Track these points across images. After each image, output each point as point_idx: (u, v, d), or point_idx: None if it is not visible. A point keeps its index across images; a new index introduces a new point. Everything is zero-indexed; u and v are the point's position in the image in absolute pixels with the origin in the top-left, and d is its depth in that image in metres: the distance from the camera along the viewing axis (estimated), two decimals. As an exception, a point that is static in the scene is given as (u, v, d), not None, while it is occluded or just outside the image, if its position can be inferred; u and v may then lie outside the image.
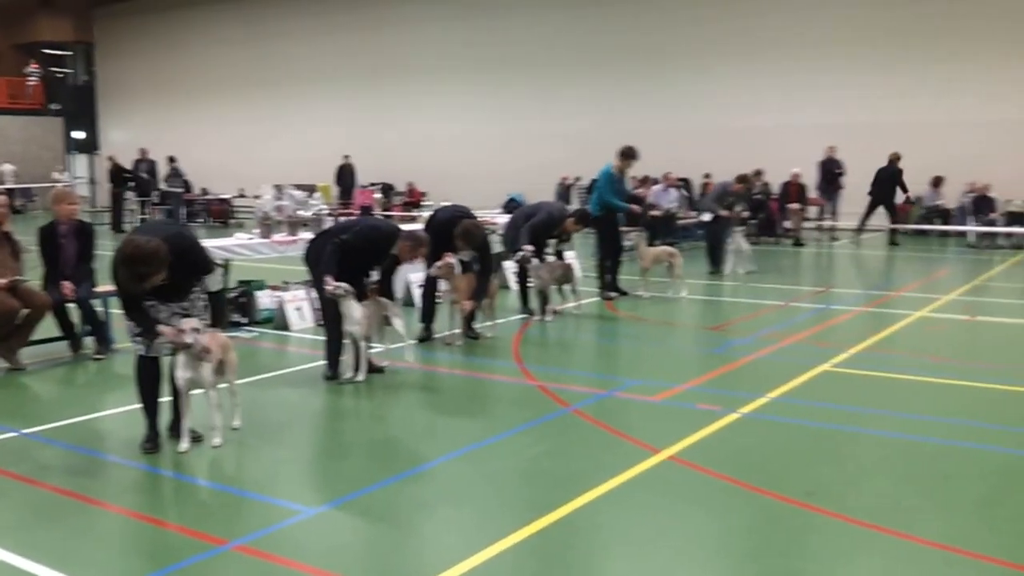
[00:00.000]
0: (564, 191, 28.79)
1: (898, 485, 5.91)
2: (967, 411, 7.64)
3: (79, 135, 41.74)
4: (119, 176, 27.44)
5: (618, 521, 5.30)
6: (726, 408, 7.54)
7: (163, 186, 28.90)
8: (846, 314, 12.18)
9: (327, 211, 12.52)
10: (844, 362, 9.30)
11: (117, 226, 26.35)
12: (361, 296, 8.66)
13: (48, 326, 9.59)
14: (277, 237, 11.74)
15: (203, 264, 6.66)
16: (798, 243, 22.34)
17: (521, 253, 11.56)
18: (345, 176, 31.40)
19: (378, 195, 30.26)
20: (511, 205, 24.31)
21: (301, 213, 11.82)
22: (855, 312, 12.43)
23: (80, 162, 30.20)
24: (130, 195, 28.00)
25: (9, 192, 30.00)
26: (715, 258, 16.38)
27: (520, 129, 31.04)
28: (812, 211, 24.25)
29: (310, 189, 27.87)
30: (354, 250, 8.54)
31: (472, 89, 32.27)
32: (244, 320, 11.37)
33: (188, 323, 6.32)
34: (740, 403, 7.69)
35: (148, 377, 6.62)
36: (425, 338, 10.44)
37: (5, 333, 9.18)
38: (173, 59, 39.83)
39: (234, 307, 11.38)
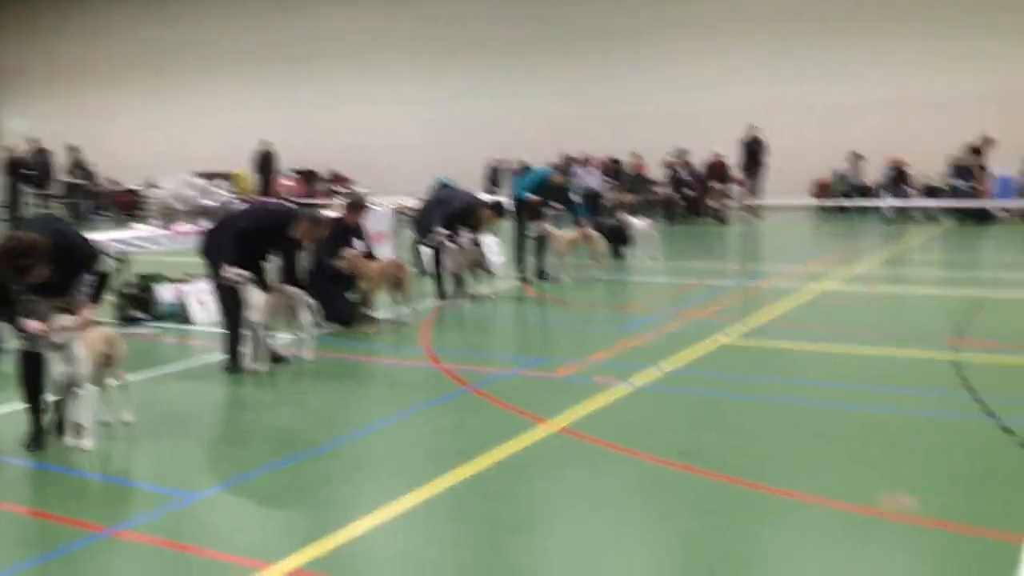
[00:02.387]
0: (493, 174, 28.74)
1: (772, 444, 6.14)
2: (845, 375, 7.96)
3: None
4: (14, 168, 26.63)
5: (502, 489, 5.43)
6: (621, 380, 7.68)
7: (65, 177, 28.07)
8: (754, 290, 12.46)
9: (235, 200, 12.37)
10: (743, 334, 9.50)
11: (14, 220, 25.78)
12: (263, 285, 8.63)
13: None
14: (178, 228, 11.59)
15: (88, 258, 6.54)
16: (721, 222, 22.63)
17: (435, 236, 11.60)
18: (265, 163, 30.74)
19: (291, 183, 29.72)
20: (441, 189, 24.20)
21: (205, 202, 11.69)
22: (762, 287, 12.74)
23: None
24: (28, 188, 27.00)
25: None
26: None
27: (448, 113, 30.96)
28: (736, 190, 24.54)
29: (223, 177, 27.64)
30: (252, 237, 8.51)
31: (398, 72, 32.09)
32: (144, 316, 11.16)
33: (59, 321, 6.22)
34: (633, 375, 7.84)
35: (29, 373, 6.49)
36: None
37: None
38: (75, 43, 38.35)
39: (133, 302, 11.22)
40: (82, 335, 6.34)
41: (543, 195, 13.74)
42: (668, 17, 27.33)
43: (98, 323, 6.65)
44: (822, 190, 25.13)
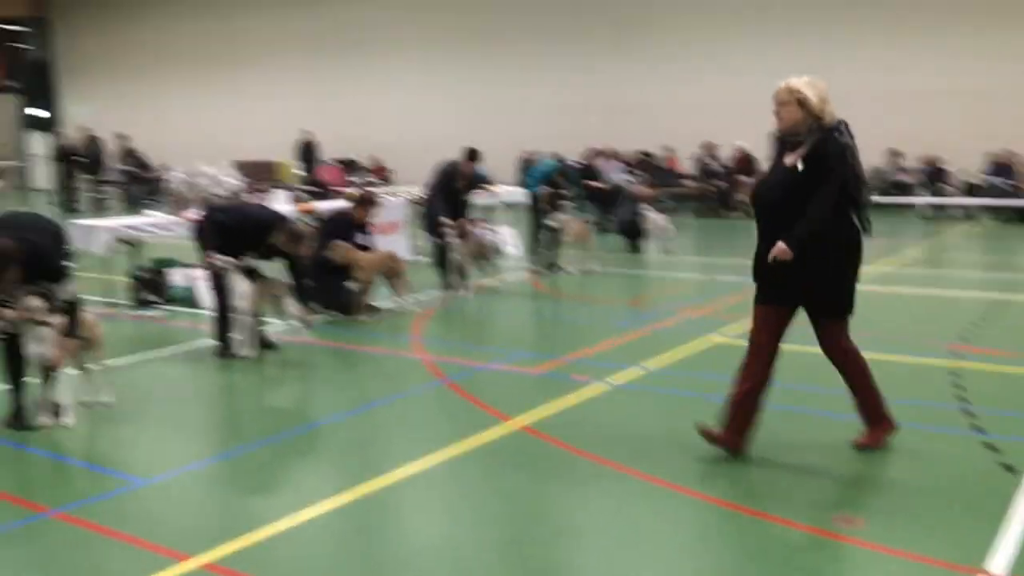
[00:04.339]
0: (525, 166, 28.61)
1: (713, 449, 5.93)
2: (838, 381, 7.58)
3: (38, 113, 41.36)
4: (67, 155, 27.17)
5: (446, 484, 5.49)
6: (598, 379, 7.61)
7: (117, 165, 28.48)
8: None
9: (244, 188, 12.46)
10: (737, 333, 9.30)
11: (68, 206, 26.23)
12: (250, 273, 8.68)
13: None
14: (188, 214, 11.69)
15: (56, 272, 6.58)
16: (750, 216, 22.28)
17: (441, 226, 11.58)
18: (307, 152, 31.11)
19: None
20: (477, 180, 24.13)
21: (215, 191, 11.79)
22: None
23: (40, 140, 29.87)
24: (80, 175, 27.60)
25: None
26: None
27: (480, 104, 30.84)
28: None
29: (267, 165, 27.96)
30: (231, 230, 8.60)
31: (432, 63, 32.06)
32: (155, 299, 11.35)
33: (32, 303, 6.34)
34: (613, 374, 7.75)
35: (9, 354, 6.67)
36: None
37: None
38: (133, 34, 39.25)
39: (146, 286, 11.39)
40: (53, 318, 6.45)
41: (553, 187, 13.66)
42: (702, 6, 26.96)
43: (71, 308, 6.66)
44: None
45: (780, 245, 5.38)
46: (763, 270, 5.67)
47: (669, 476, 5.47)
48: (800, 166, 5.38)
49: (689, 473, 5.54)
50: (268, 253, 8.93)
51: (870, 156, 23.79)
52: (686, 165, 25.09)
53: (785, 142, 5.59)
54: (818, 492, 5.33)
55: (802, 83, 5.44)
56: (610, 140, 23.51)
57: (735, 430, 5.71)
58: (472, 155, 12.20)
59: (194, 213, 11.65)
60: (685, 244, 16.33)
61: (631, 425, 6.58)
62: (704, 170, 22.94)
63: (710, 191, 23.04)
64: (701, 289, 12.17)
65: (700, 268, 14.09)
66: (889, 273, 13.36)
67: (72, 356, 6.78)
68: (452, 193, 11.90)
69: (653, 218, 15.59)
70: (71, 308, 6.58)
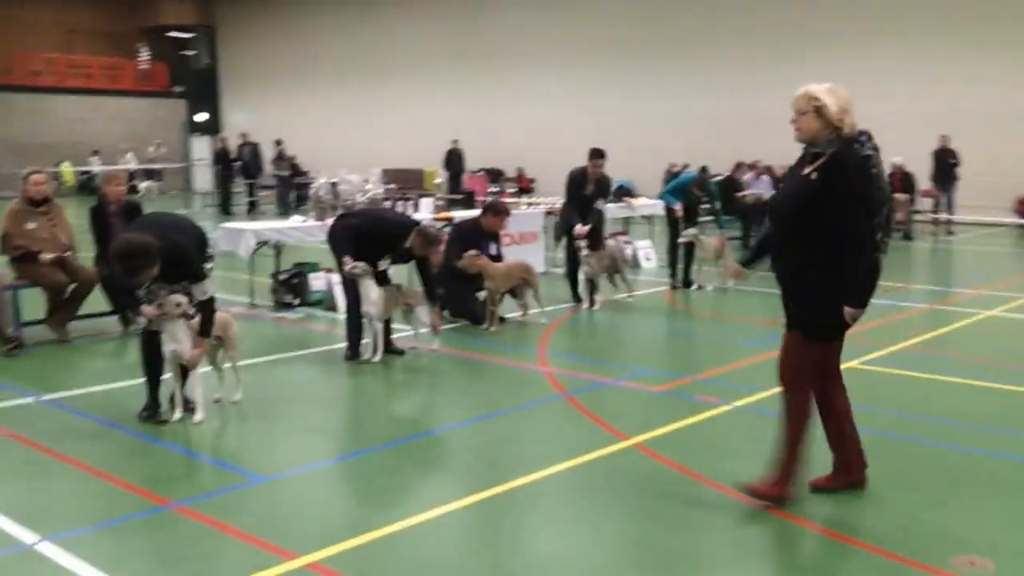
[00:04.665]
0: (669, 179, 28.39)
1: None
2: (982, 415, 7.29)
3: (201, 117, 43.08)
4: (226, 159, 28.22)
5: (557, 498, 5.50)
6: (722, 400, 7.49)
7: (272, 170, 29.42)
8: (911, 311, 11.69)
9: (381, 195, 12.71)
10: (876, 360, 9.00)
11: (226, 208, 27.17)
12: (381, 279, 8.86)
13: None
14: (330, 220, 11.98)
15: (194, 273, 6.82)
16: (907, 236, 21.53)
17: (578, 237, 11.56)
18: (453, 161, 31.60)
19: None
20: (619, 192, 24.09)
21: (358, 197, 12.05)
22: (920, 309, 11.96)
23: (202, 144, 31.28)
24: (238, 179, 28.77)
25: (130, 174, 31.52)
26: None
27: (629, 115, 30.75)
28: (926, 204, 23.35)
29: (414, 174, 28.40)
30: (365, 236, 8.78)
31: (579, 74, 32.13)
32: (296, 301, 11.69)
33: (171, 300, 6.61)
34: (739, 396, 7.62)
35: (148, 350, 6.98)
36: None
37: (53, 306, 9.77)
38: (290, 44, 40.74)
39: (287, 288, 11.73)
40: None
41: (688, 201, 13.47)
42: (859, 20, 26.22)
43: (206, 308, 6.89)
44: (1024, 207, 23.66)
45: (849, 310, 5.08)
46: (786, 296, 5.43)
47: (785, 506, 5.31)
48: (815, 176, 5.09)
49: (806, 503, 5.37)
50: (402, 257, 9.10)
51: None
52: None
53: (806, 153, 5.28)
54: (941, 529, 5.11)
55: (821, 90, 5.20)
56: (760, 154, 23.14)
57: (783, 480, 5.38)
58: (596, 154, 11.89)
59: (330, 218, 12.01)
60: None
61: (749, 449, 6.42)
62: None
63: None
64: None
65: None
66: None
67: (205, 355, 7.06)
68: (583, 200, 11.82)
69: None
70: (206, 307, 6.83)
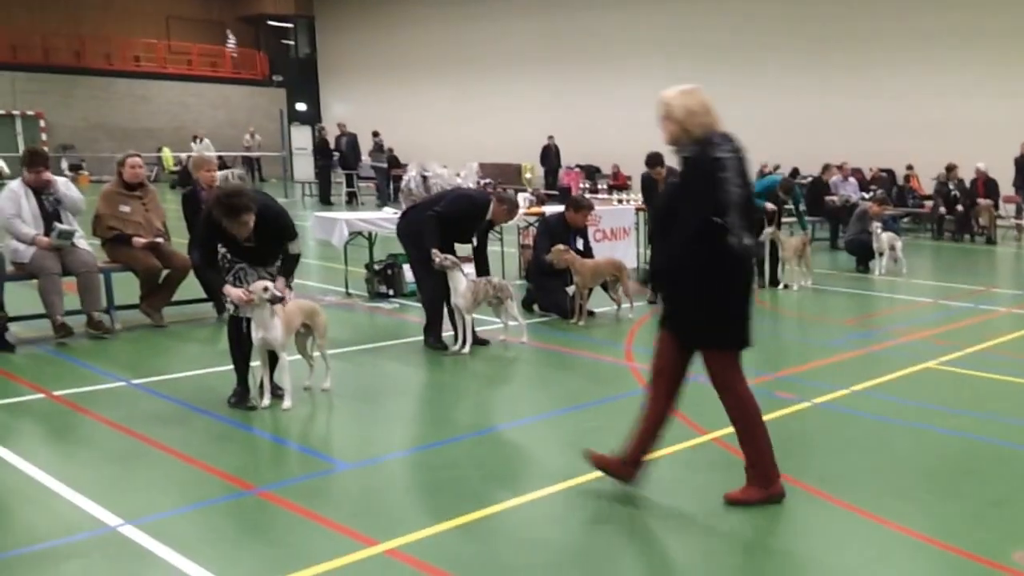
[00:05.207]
0: (761, 179, 28.17)
1: (907, 475, 5.93)
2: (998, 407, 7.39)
3: (301, 107, 43.67)
4: (324, 150, 28.68)
5: (635, 490, 5.55)
6: (801, 397, 7.56)
7: (370, 161, 29.78)
8: (991, 314, 11.58)
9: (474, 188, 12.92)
10: (954, 361, 8.97)
11: (325, 198, 27.66)
12: (481, 267, 9.16)
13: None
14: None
15: (288, 230, 7.15)
16: (990, 241, 21.17)
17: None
18: (549, 157, 31.81)
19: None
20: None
21: (444, 189, 12.25)
22: (1000, 312, 11.76)
23: (302, 133, 31.86)
24: (337, 169, 29.20)
25: (222, 162, 32.07)
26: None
27: (722, 115, 30.45)
28: (1008, 209, 22.91)
29: (512, 168, 28.59)
30: (448, 221, 8.96)
31: (676, 73, 31.79)
32: (390, 292, 11.96)
33: (258, 285, 6.80)
34: (819, 393, 7.68)
35: (236, 336, 7.22)
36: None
37: (147, 291, 9.98)
38: (388, 36, 41.03)
39: (381, 279, 12.00)
40: (280, 305, 6.93)
41: (773, 203, 13.49)
42: (948, 24, 25.67)
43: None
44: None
45: (634, 284, 5.18)
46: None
47: (858, 501, 5.41)
48: (678, 179, 5.18)
49: (880, 499, 5.44)
50: (486, 231, 9.38)
51: None
52: (927, 186, 24.11)
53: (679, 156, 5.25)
54: (1011, 527, 5.15)
55: (671, 95, 5.15)
56: (850, 157, 22.94)
57: (631, 460, 5.46)
58: (650, 161, 11.93)
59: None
60: (915, 266, 15.68)
61: (825, 446, 6.54)
62: (943, 191, 21.94)
63: (946, 213, 22.01)
64: (924, 313, 11.73)
65: (927, 291, 13.53)
66: None
67: (295, 343, 7.30)
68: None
69: (884, 237, 15.10)
70: (294, 260, 7.15)
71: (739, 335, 5.27)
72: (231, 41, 44.14)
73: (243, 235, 6.80)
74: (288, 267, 7.22)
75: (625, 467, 5.48)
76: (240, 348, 7.21)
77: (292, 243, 7.18)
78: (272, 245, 7.11)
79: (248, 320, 6.99)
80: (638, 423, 5.46)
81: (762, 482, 5.34)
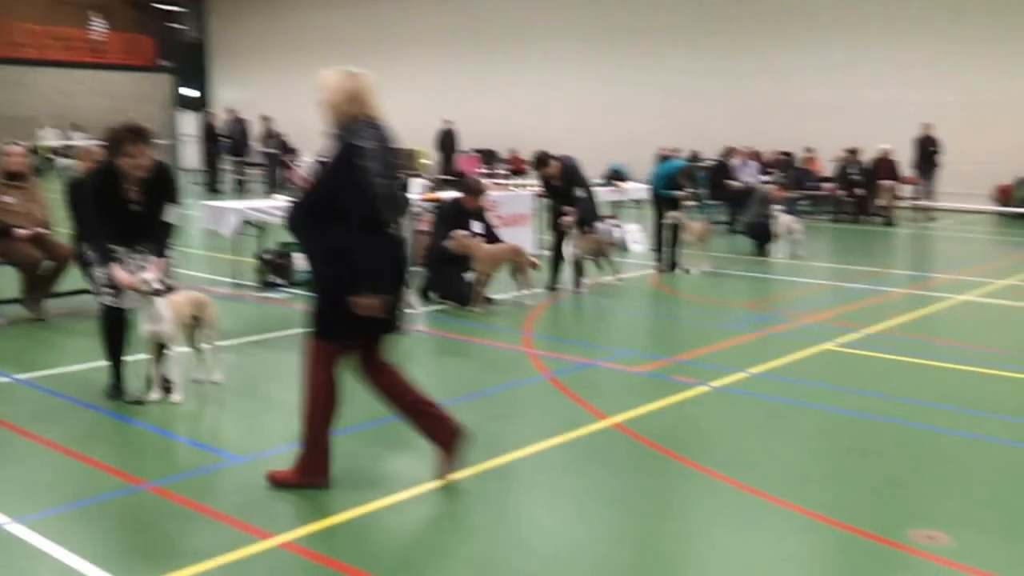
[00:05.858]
0: (661, 163, 28.35)
1: (806, 456, 6.01)
2: (943, 394, 7.41)
3: (190, 93, 42.69)
4: (212, 136, 27.98)
5: (533, 478, 5.55)
6: (699, 381, 7.56)
7: (259, 147, 29.09)
8: (888, 295, 11.81)
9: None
10: (852, 342, 9.11)
11: (212, 186, 27.03)
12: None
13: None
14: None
15: (177, 189, 6.91)
16: (888, 223, 21.65)
17: (564, 218, 11.57)
18: (446, 142, 31.55)
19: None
20: (612, 176, 24.01)
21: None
22: (898, 293, 12.04)
23: (190, 120, 31.00)
24: (224, 155, 28.53)
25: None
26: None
27: (620, 99, 30.65)
28: (907, 190, 23.45)
29: (411, 155, 28.27)
30: None
31: (573, 57, 32.05)
32: (281, 281, 11.65)
33: (147, 275, 6.53)
34: (716, 376, 7.68)
35: (112, 327, 6.89)
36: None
37: (29, 284, 9.58)
38: (283, 19, 40.25)
39: (272, 268, 11.70)
40: (168, 296, 6.69)
41: (674, 186, 13.54)
42: (848, 7, 26.16)
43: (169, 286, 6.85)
44: (1003, 195, 23.77)
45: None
46: None
47: (757, 483, 5.40)
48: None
49: (779, 481, 5.46)
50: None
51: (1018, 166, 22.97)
52: (828, 168, 24.50)
53: None
54: (906, 505, 5.21)
55: (326, 75, 5.10)
56: (751, 140, 23.17)
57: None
58: (537, 163, 12.06)
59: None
60: (815, 248, 15.93)
61: (724, 429, 6.54)
62: (843, 174, 22.35)
63: (846, 195, 22.43)
64: (823, 296, 11.90)
65: (826, 274, 13.76)
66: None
67: (184, 335, 7.03)
68: (556, 191, 11.96)
69: (783, 220, 15.28)
70: (166, 227, 6.81)
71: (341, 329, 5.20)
72: (97, 24, 42.63)
73: (143, 167, 6.55)
74: (163, 239, 6.81)
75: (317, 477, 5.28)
76: (114, 340, 6.91)
77: (172, 209, 6.85)
78: (158, 209, 6.76)
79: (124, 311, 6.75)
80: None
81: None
